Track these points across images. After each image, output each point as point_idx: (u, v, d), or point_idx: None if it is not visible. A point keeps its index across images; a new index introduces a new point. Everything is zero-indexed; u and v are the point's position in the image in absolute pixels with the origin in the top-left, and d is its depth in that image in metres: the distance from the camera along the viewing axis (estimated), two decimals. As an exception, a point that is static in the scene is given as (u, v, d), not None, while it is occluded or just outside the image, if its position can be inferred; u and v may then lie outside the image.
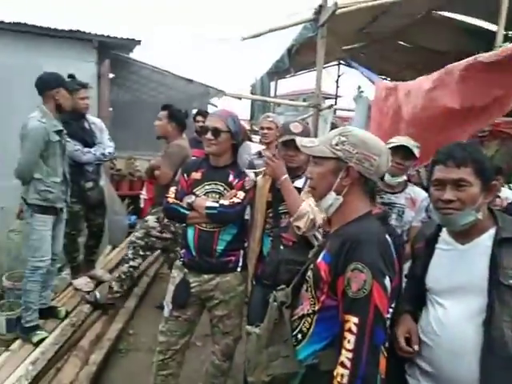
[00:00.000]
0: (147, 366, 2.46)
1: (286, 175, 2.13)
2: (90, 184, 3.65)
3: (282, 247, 2.16)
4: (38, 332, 2.95)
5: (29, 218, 2.92)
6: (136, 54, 6.32)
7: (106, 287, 3.56)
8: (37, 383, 2.54)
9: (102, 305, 3.51)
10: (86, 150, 3.56)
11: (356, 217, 1.33)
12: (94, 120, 3.81)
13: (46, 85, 2.94)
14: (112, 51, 5.75)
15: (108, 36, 5.51)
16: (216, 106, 7.67)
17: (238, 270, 2.21)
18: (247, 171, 2.25)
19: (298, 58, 7.02)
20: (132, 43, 5.78)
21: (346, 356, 1.15)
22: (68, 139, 3.25)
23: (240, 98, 6.20)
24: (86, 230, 3.93)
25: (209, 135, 2.12)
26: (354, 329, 1.15)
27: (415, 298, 1.56)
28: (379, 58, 7.45)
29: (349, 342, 1.15)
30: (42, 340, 2.90)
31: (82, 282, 3.75)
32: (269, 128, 3.48)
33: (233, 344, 2.30)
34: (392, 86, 3.34)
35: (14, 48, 5.15)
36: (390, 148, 2.47)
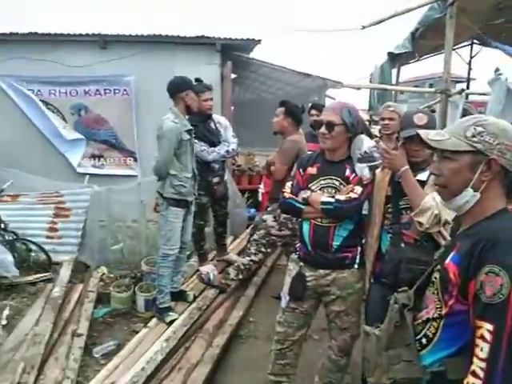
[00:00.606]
0: (265, 354, 2.55)
1: (407, 166, 1.96)
2: (216, 179, 3.94)
3: (402, 245, 2.03)
4: (171, 313, 3.27)
5: (164, 210, 3.24)
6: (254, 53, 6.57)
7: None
8: (169, 359, 2.81)
9: (215, 286, 3.78)
10: (211, 149, 3.82)
11: (490, 214, 1.18)
12: (218, 119, 4.06)
13: (177, 88, 3.21)
14: (234, 52, 6.04)
15: (230, 38, 5.81)
16: (333, 98, 7.55)
17: (355, 266, 2.15)
18: (360, 166, 2.11)
19: (422, 41, 6.51)
20: (252, 43, 6.00)
21: (478, 365, 1.04)
22: (195, 140, 3.52)
23: (358, 88, 6.00)
24: (213, 218, 4.27)
25: (323, 129, 2.09)
26: (488, 336, 1.03)
27: None
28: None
29: (482, 350, 1.04)
30: (174, 320, 3.21)
31: (207, 269, 4.05)
32: (390, 118, 3.29)
33: (350, 341, 2.25)
34: None
35: (152, 56, 5.79)
36: None
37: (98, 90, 5.99)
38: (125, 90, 5.96)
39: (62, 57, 5.83)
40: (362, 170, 2.12)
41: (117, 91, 5.99)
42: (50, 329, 3.09)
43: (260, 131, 7.00)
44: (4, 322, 3.30)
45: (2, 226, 4.29)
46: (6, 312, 3.43)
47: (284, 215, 3.35)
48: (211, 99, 3.81)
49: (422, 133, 1.32)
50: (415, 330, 1.32)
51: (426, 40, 6.45)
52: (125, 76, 5.87)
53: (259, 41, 5.96)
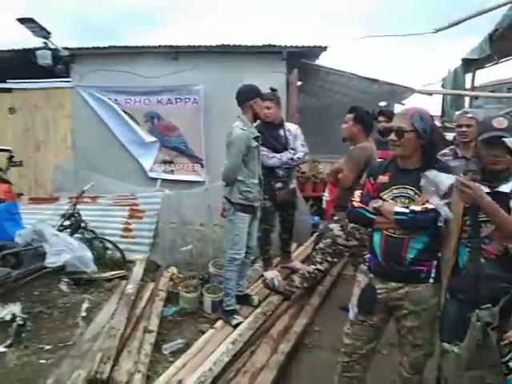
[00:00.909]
0: (331, 365, 2.49)
1: (487, 198, 1.81)
2: (279, 184, 3.98)
3: (482, 260, 1.91)
4: (236, 316, 3.35)
5: (231, 215, 3.33)
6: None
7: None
8: (235, 361, 2.87)
9: (279, 292, 3.80)
10: (272, 154, 3.87)
11: None
12: (289, 127, 4.10)
13: (246, 96, 3.29)
14: (300, 60, 6.07)
15: (296, 46, 5.85)
16: (403, 104, 7.32)
17: (431, 281, 2.04)
18: (438, 202, 1.91)
19: (501, 43, 6.12)
20: (318, 50, 6.00)
21: None
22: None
23: (431, 94, 5.76)
24: (279, 224, 4.31)
25: (392, 136, 2.02)
26: None
27: None
28: None
29: None
30: (239, 324, 3.27)
31: (272, 275, 4.06)
32: (468, 125, 3.14)
33: (423, 358, 2.14)
34: None
35: (220, 65, 6.00)
36: None
37: (169, 99, 6.31)
38: (194, 98, 6.22)
39: (137, 68, 6.23)
40: (439, 206, 1.93)
41: (187, 100, 6.27)
42: (123, 323, 3.28)
43: (325, 138, 6.96)
44: (84, 314, 3.57)
45: (83, 224, 4.66)
46: (86, 305, 3.70)
47: (352, 225, 3.29)
48: (268, 108, 3.81)
49: (509, 141, 1.26)
50: (501, 351, 1.25)
51: (505, 41, 6.06)
52: (195, 85, 6.12)
53: (325, 47, 5.95)
